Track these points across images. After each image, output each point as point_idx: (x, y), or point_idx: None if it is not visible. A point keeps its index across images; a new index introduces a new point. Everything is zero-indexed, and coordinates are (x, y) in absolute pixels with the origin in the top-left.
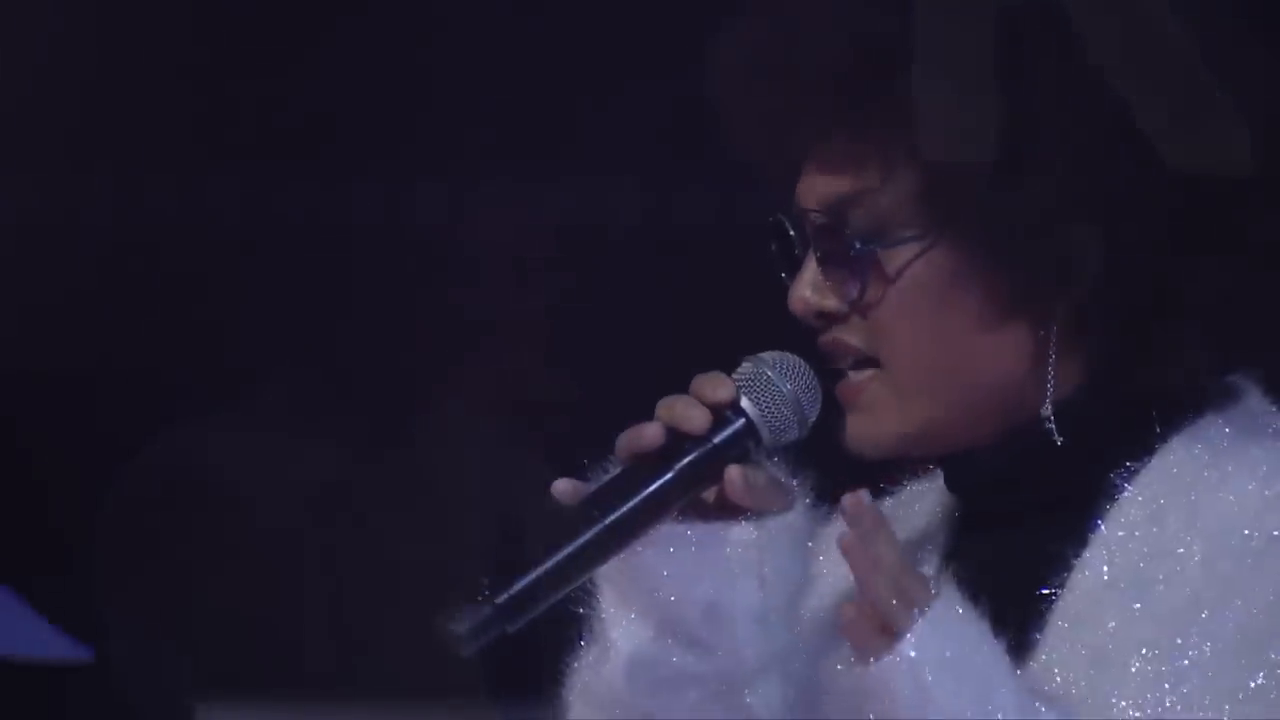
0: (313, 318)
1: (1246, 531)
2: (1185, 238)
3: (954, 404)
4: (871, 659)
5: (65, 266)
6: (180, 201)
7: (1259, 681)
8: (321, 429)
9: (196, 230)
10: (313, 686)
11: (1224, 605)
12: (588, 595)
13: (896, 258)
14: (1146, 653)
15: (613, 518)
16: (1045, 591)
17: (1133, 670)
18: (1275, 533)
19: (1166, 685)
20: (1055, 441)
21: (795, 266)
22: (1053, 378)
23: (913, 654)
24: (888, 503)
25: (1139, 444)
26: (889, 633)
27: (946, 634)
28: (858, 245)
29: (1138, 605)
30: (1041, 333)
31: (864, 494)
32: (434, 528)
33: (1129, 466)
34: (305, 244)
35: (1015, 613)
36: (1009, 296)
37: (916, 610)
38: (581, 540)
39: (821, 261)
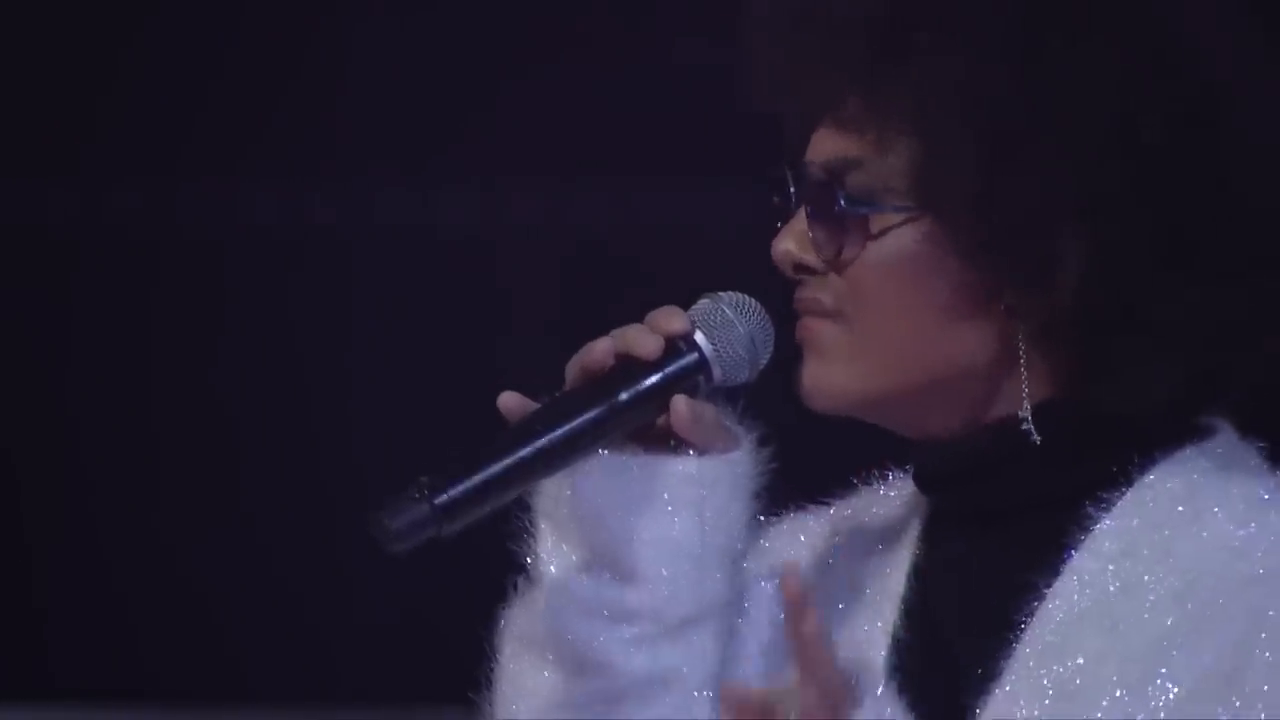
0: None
1: (1220, 571)
2: (1172, 256)
3: (914, 381)
4: None
5: None
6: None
7: None
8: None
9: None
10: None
11: (1194, 646)
12: (524, 538)
13: (882, 223)
14: (1117, 693)
15: (555, 434)
16: (1014, 619)
17: (1103, 705)
18: (1246, 574)
19: None
20: (1032, 442)
21: (788, 219)
22: (1026, 379)
23: None
24: (856, 500)
25: (1112, 459)
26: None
27: None
28: (845, 204)
29: (1109, 641)
30: (1012, 330)
31: (798, 566)
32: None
33: (1103, 497)
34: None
35: (981, 636)
36: (984, 286)
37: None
38: (522, 452)
39: (811, 217)
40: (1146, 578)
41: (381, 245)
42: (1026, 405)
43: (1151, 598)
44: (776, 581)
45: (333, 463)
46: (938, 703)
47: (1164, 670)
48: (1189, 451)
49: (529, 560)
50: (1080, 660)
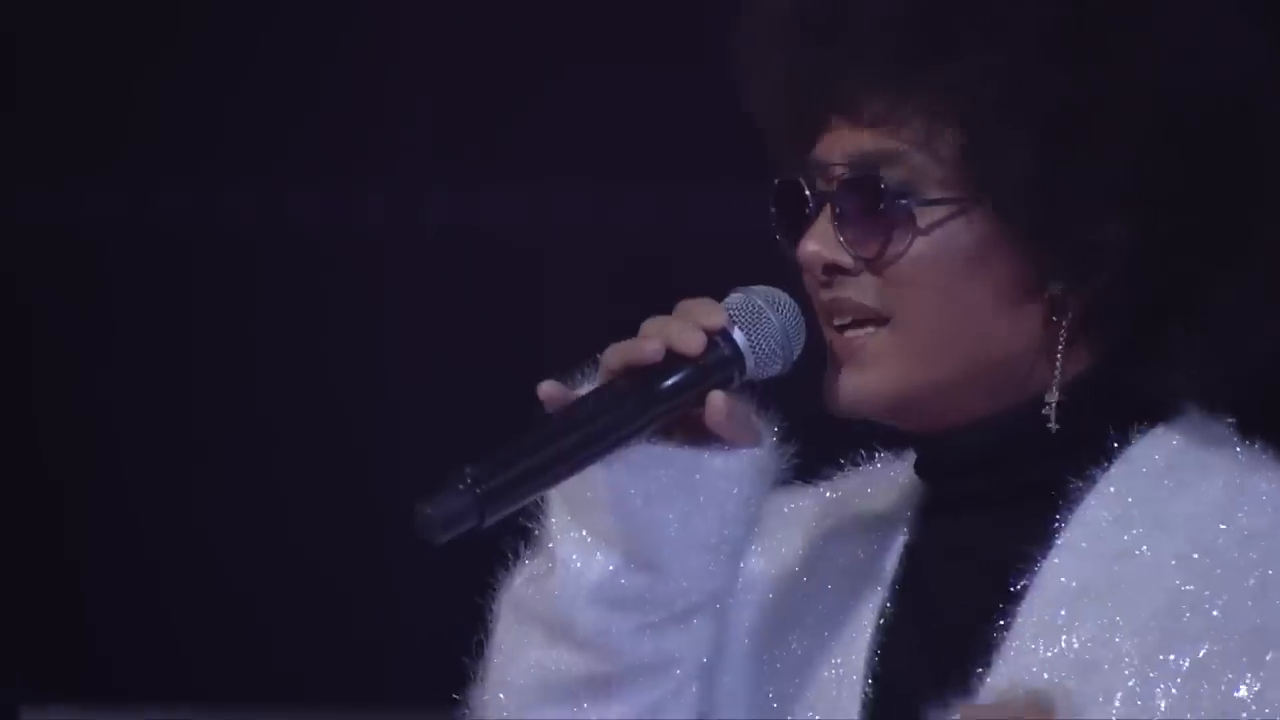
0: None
1: (1222, 526)
2: (1214, 245)
3: (956, 374)
4: None
5: None
6: None
7: (1255, 685)
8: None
9: None
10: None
11: (1203, 608)
12: (532, 512)
13: (928, 216)
14: (1134, 660)
15: (597, 424)
16: (1012, 589)
17: (1122, 675)
18: (1240, 534)
19: (1158, 690)
20: (1047, 428)
21: (802, 226)
22: (1060, 367)
23: None
24: (851, 479)
25: (1106, 438)
26: None
27: None
28: (890, 200)
29: (1115, 611)
30: (1054, 318)
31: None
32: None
33: (1089, 473)
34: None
35: (976, 611)
36: (1030, 276)
37: None
38: (564, 442)
39: (839, 217)
40: (1144, 547)
41: (426, 246)
42: (1055, 392)
43: (1152, 566)
44: (765, 563)
45: (377, 463)
46: (935, 678)
47: (1178, 634)
48: (1162, 428)
49: (535, 533)
50: (1088, 631)
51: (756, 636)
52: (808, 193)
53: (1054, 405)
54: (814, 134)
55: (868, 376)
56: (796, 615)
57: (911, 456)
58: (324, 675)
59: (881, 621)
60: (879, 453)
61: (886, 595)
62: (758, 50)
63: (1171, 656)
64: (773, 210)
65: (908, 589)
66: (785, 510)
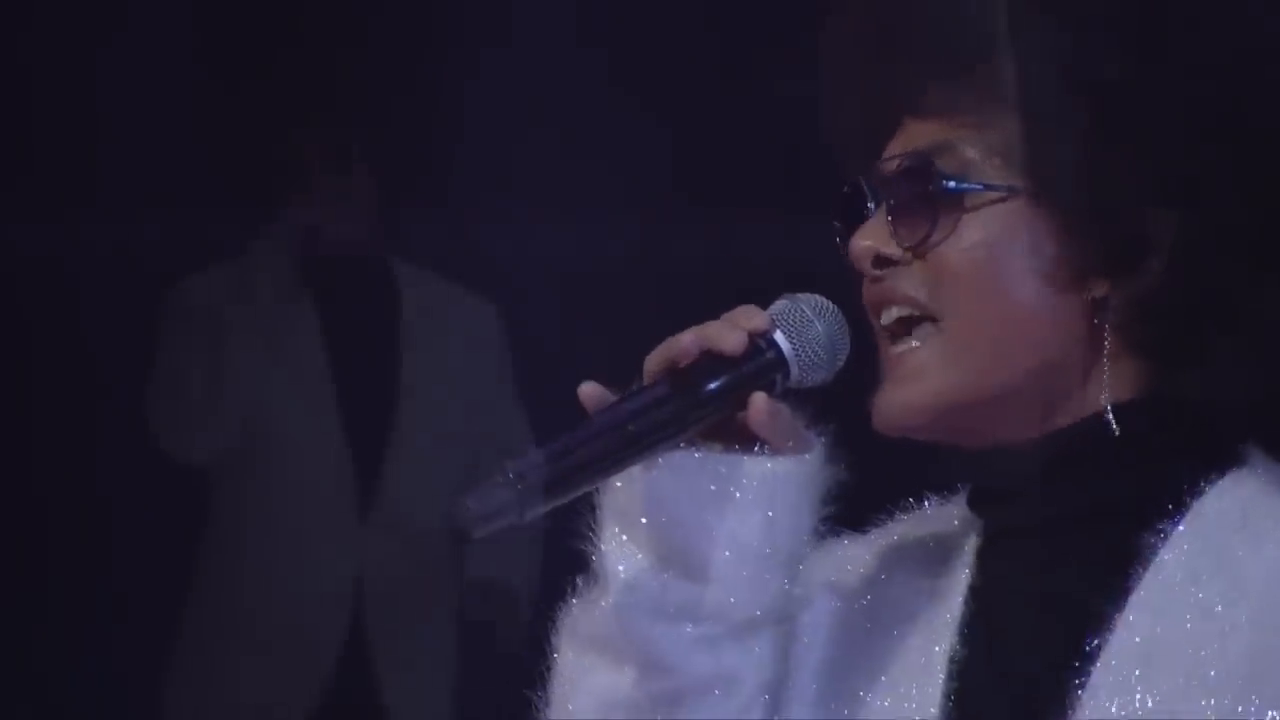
0: None
1: None
2: (1263, 248)
3: (1003, 382)
4: None
5: None
6: None
7: None
8: None
9: None
10: None
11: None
12: (588, 535)
13: (976, 201)
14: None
15: (637, 425)
16: (1083, 647)
17: None
18: None
19: None
20: (1109, 441)
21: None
22: (1108, 373)
23: None
24: (904, 523)
25: (1195, 460)
26: None
27: None
28: (938, 184)
29: (1191, 672)
30: (1097, 320)
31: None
32: None
33: (1160, 527)
34: None
35: (1049, 662)
36: (1074, 273)
37: None
38: (608, 444)
39: (892, 209)
40: (1218, 605)
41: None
42: (1108, 396)
43: (1228, 624)
44: (828, 606)
45: None
46: None
47: (1253, 694)
48: (1233, 476)
49: (593, 559)
50: (1163, 691)
51: (824, 680)
52: (868, 194)
53: (1110, 414)
54: (885, 142)
55: (914, 389)
56: (865, 660)
57: (963, 496)
58: None
59: (953, 667)
60: (928, 498)
61: (955, 639)
62: (837, 60)
63: (1252, 715)
64: (836, 224)
65: (976, 632)
66: (840, 555)
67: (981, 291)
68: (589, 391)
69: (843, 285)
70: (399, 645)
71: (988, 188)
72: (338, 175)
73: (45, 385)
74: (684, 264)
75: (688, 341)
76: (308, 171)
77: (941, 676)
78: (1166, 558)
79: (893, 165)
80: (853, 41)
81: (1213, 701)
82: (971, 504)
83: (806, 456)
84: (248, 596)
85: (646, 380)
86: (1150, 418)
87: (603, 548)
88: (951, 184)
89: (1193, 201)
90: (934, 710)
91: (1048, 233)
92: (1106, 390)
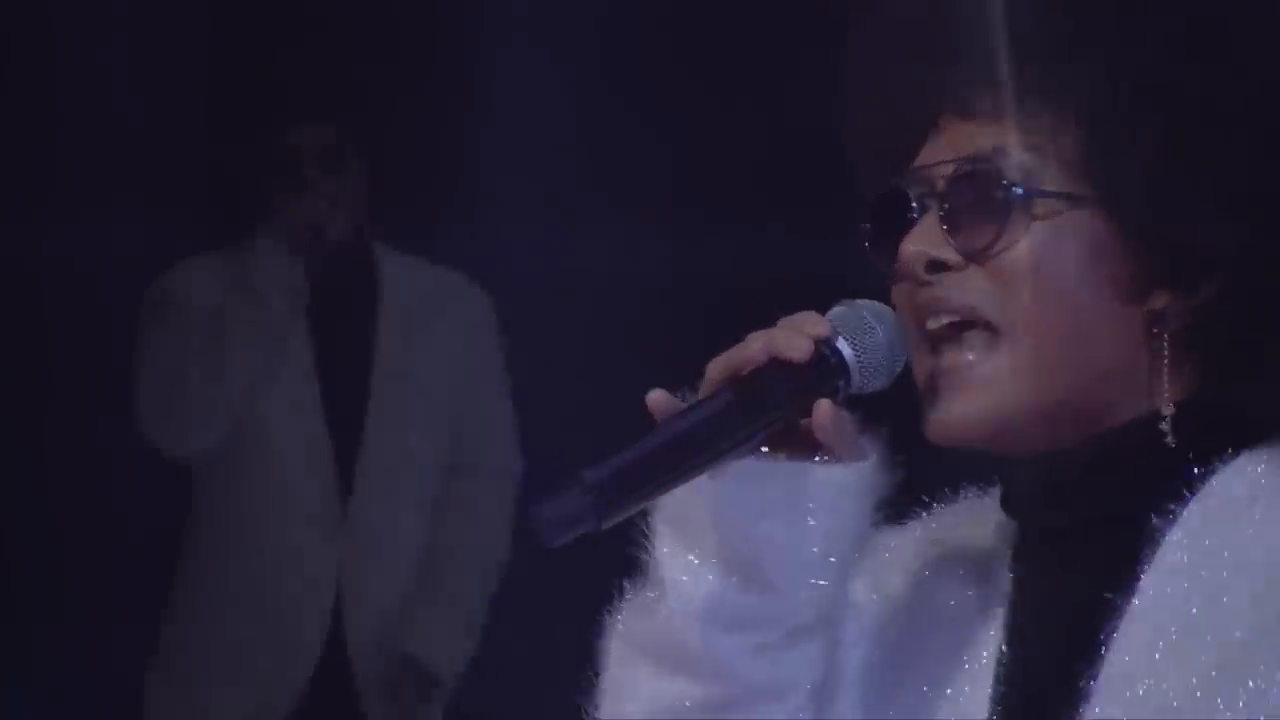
0: None
1: None
2: None
3: (1062, 394)
4: None
5: None
6: None
7: None
8: None
9: None
10: None
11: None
12: (641, 540)
13: (1045, 208)
14: (1220, 704)
15: (708, 432)
16: (1095, 639)
17: None
18: None
19: None
20: (1159, 445)
21: (901, 235)
22: (1167, 383)
23: None
24: (943, 516)
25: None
26: None
27: None
28: (1006, 190)
29: (1202, 657)
30: (1156, 330)
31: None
32: None
33: (1170, 509)
34: None
35: (1065, 657)
36: (1137, 285)
37: None
38: (678, 451)
39: (947, 214)
40: (1225, 592)
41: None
42: (1168, 404)
43: (1236, 607)
44: (873, 602)
45: None
46: None
47: (1262, 673)
48: (1245, 456)
49: (647, 564)
50: (1175, 679)
51: (872, 677)
52: (912, 198)
53: (1168, 421)
54: (915, 146)
55: (978, 402)
56: (911, 656)
57: (998, 491)
58: None
59: (999, 670)
60: (966, 489)
61: (1002, 637)
62: (869, 59)
63: (1260, 695)
64: (867, 228)
65: (1021, 635)
66: (885, 550)
67: (1047, 301)
68: (657, 399)
69: (845, 290)
70: (381, 645)
71: (1056, 195)
72: (332, 174)
73: (45, 385)
74: (684, 264)
75: (756, 349)
76: (302, 170)
77: (990, 679)
78: (1172, 541)
79: (948, 169)
80: (894, 39)
81: (1223, 682)
82: (1006, 504)
83: (865, 464)
84: (230, 594)
85: (707, 385)
86: (1198, 424)
87: (660, 555)
88: (1019, 190)
89: (1258, 215)
90: (984, 708)
91: (1114, 244)
92: (1167, 397)
